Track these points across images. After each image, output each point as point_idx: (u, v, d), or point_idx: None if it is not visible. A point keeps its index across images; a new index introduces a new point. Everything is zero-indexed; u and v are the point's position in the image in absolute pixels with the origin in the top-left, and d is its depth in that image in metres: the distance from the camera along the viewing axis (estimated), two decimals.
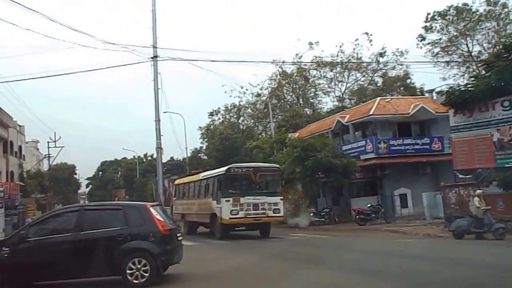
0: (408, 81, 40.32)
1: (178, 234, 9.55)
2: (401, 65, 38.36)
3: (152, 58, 17.50)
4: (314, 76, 41.23)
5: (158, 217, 8.95)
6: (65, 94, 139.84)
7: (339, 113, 31.10)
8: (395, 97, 31.64)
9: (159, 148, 18.20)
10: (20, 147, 48.29)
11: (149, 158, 71.28)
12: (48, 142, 49.30)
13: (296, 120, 36.56)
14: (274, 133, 30.62)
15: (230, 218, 17.17)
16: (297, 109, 38.51)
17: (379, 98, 28.61)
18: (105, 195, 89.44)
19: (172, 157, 70.76)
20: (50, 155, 50.95)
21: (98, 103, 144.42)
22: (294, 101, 41.84)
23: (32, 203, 44.31)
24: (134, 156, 72.24)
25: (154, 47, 17.45)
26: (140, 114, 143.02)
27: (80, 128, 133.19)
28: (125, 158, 79.00)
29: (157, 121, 18.22)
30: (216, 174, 19.13)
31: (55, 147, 50.58)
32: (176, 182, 26.57)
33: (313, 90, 41.91)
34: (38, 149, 59.98)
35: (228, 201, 17.20)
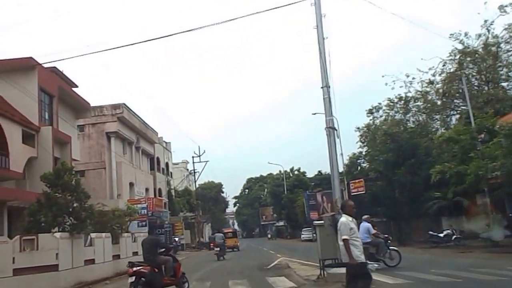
0: None
1: None
2: None
3: None
4: (508, 51, 30.88)
5: None
6: (210, 110, 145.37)
7: None
8: None
9: (330, 129, 11.28)
10: (167, 164, 46.98)
11: (295, 172, 66.05)
12: (193, 157, 47.12)
13: (495, 105, 27.02)
14: (475, 120, 21.83)
15: None
16: (494, 92, 28.75)
17: None
18: (252, 213, 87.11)
19: (319, 171, 64.55)
20: (196, 171, 48.69)
21: (240, 121, 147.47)
22: (480, 85, 31.95)
23: (180, 222, 41.97)
24: (280, 171, 68.16)
25: None
26: (286, 120, 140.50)
27: (224, 145, 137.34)
28: (270, 174, 75.66)
29: (326, 87, 11.41)
30: None
31: (200, 161, 48.25)
32: None
33: (505, 70, 31.51)
34: (188, 169, 59.36)
35: None
